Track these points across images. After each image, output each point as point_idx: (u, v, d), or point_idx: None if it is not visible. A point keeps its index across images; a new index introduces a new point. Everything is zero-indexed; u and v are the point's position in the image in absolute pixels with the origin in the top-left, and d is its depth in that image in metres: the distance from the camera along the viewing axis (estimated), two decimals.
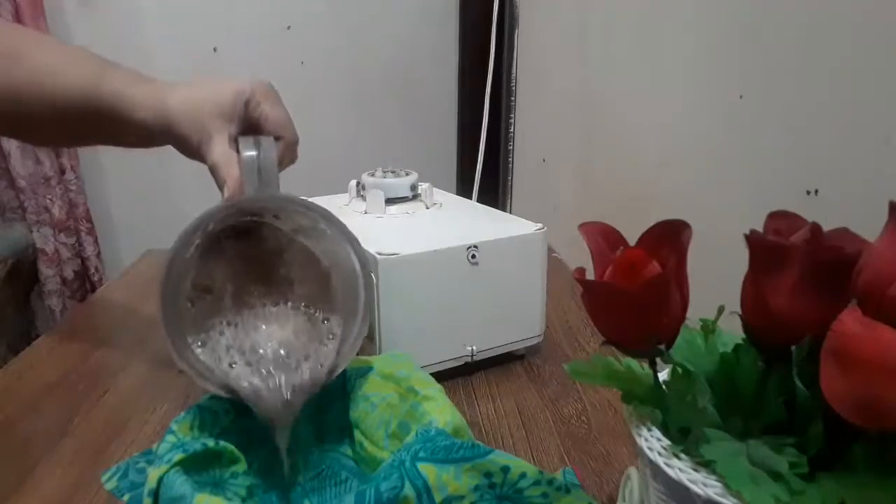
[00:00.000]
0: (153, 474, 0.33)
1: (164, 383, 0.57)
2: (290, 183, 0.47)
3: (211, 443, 0.35)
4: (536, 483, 0.35)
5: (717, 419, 0.29)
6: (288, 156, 0.50)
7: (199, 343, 0.42)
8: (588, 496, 0.36)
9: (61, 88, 0.49)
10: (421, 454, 0.34)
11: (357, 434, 0.43)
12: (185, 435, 0.37)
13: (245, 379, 0.40)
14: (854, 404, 0.23)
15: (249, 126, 0.49)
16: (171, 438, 0.36)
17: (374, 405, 0.43)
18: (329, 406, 0.44)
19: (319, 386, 0.40)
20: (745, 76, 0.61)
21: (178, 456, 0.34)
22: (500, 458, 0.35)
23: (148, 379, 0.59)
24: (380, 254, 0.51)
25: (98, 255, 1.77)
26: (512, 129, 1.39)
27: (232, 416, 0.41)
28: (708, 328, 0.33)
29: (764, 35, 0.59)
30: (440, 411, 0.39)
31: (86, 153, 1.69)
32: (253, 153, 0.46)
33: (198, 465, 0.34)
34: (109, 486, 0.40)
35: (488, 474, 0.34)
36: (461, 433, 0.39)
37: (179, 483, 0.32)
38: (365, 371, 0.45)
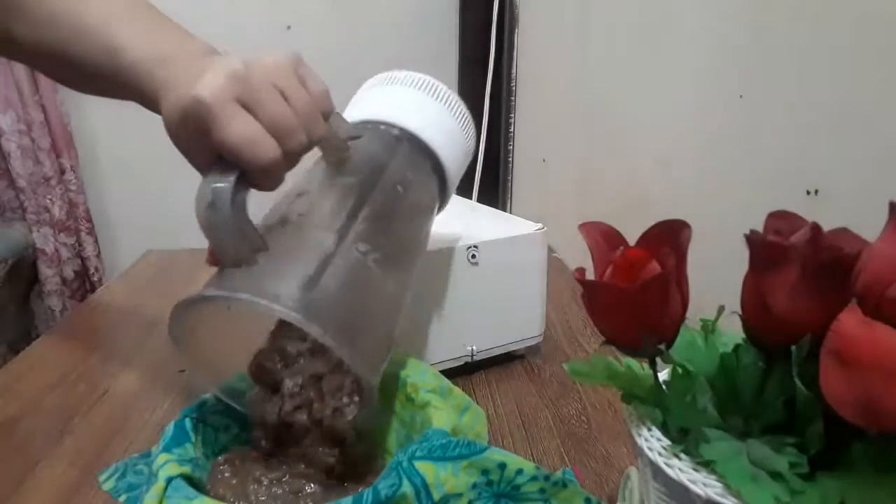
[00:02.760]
0: (171, 467, 0.33)
1: (164, 383, 0.57)
2: (285, 185, 0.38)
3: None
4: (533, 479, 0.35)
5: (717, 419, 0.29)
6: (266, 184, 0.37)
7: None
8: (584, 491, 0.36)
9: (78, 51, 0.42)
10: (418, 453, 0.34)
11: None
12: (188, 452, 0.37)
13: None
14: (854, 404, 0.23)
15: None
16: (184, 448, 0.36)
17: (379, 414, 0.43)
18: None
19: None
20: (745, 76, 0.61)
21: (186, 469, 0.34)
22: (496, 454, 0.35)
23: (148, 379, 0.59)
24: None
25: (98, 255, 1.77)
26: (512, 129, 1.39)
27: (233, 432, 0.41)
28: (708, 328, 0.33)
29: (764, 35, 0.58)
30: (438, 416, 0.39)
31: (86, 153, 1.69)
32: (206, 209, 0.33)
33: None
34: (107, 486, 0.40)
35: (485, 471, 0.34)
36: (459, 434, 0.39)
37: (185, 486, 0.33)
38: None
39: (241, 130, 0.35)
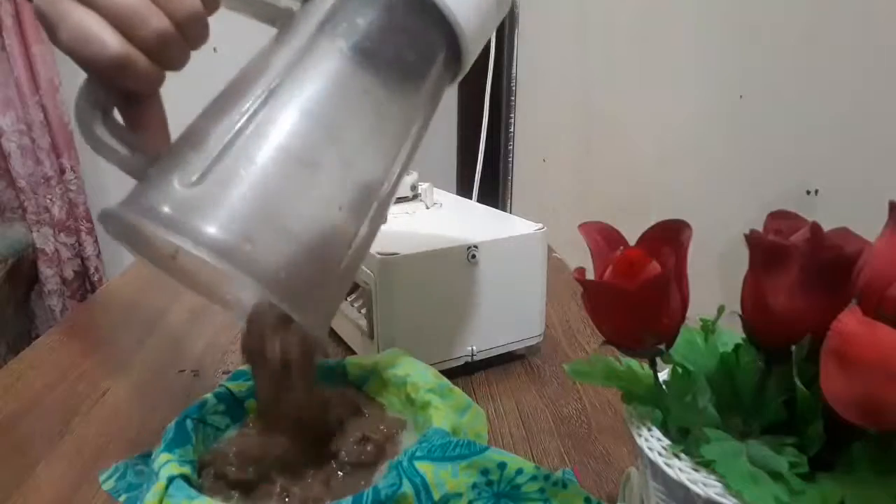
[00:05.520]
0: (172, 466, 0.33)
1: (164, 383, 0.57)
2: None
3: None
4: (533, 479, 0.35)
5: (717, 419, 0.29)
6: (133, 85, 0.31)
7: None
8: (584, 491, 0.36)
9: None
10: (418, 453, 0.34)
11: None
12: (188, 452, 0.37)
13: None
14: (854, 404, 0.23)
15: None
16: (185, 448, 0.36)
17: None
18: None
19: None
20: (745, 76, 0.61)
21: (186, 469, 0.34)
22: (496, 454, 0.35)
23: (148, 379, 0.59)
24: (380, 254, 0.51)
25: (98, 255, 1.77)
26: (512, 129, 1.39)
27: (232, 428, 0.41)
28: (708, 328, 0.33)
29: (764, 35, 0.58)
30: (438, 416, 0.39)
31: (86, 153, 1.69)
32: (78, 126, 0.31)
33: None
34: (107, 486, 0.40)
35: (485, 471, 0.34)
36: (458, 433, 0.39)
37: (186, 486, 0.33)
38: (365, 378, 0.44)
39: (70, 28, 0.29)
